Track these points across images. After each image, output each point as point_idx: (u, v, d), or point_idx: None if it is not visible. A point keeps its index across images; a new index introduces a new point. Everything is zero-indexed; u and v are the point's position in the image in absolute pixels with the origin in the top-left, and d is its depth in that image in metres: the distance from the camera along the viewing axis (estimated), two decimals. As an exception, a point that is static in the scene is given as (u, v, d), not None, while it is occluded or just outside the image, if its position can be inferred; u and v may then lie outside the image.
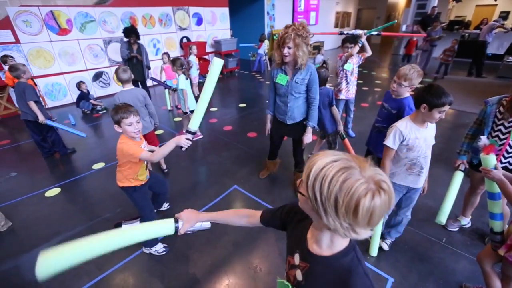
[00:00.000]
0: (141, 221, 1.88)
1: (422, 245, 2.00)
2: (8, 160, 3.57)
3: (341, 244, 0.65)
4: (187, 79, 3.47)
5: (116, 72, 2.53)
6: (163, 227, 0.93)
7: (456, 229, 2.12)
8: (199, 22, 7.67)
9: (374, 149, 2.21)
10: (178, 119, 4.84)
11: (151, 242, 1.98)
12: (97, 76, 6.13)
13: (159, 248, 2.01)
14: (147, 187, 1.95)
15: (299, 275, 0.73)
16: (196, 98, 5.61)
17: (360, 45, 3.10)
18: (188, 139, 1.47)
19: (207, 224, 1.03)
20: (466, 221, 2.13)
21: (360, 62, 3.17)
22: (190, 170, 3.14)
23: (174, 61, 3.42)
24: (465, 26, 10.51)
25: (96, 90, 6.14)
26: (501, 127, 1.63)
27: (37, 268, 0.67)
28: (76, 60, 5.70)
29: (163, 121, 4.69)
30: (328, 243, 0.66)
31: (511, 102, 1.57)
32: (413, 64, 1.89)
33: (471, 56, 7.21)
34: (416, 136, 1.54)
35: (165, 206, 2.50)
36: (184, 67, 3.45)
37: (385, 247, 1.94)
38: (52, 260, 0.70)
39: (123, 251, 2.02)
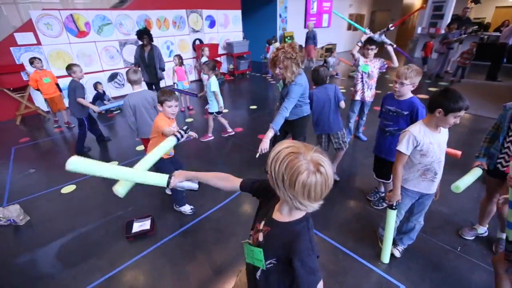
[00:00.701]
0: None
1: (435, 253, 1.94)
2: (27, 157, 3.71)
3: (297, 215, 0.82)
4: (218, 79, 3.56)
5: (127, 73, 2.61)
6: (159, 177, 1.14)
7: (472, 237, 2.04)
8: (212, 24, 7.77)
9: (386, 155, 2.17)
10: (190, 119, 4.90)
11: (181, 201, 2.30)
12: (112, 77, 6.31)
13: (187, 209, 2.30)
14: (171, 162, 2.24)
15: (261, 237, 0.89)
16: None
17: (359, 45, 3.08)
18: (180, 133, 1.61)
19: (194, 185, 1.20)
20: (483, 230, 2.05)
21: (383, 70, 3.07)
22: (200, 171, 3.17)
23: (207, 64, 3.52)
24: (484, 28, 10.17)
25: (111, 91, 6.31)
26: None
27: (68, 163, 0.96)
28: (93, 61, 5.88)
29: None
30: (287, 213, 0.83)
31: None
32: (410, 64, 1.90)
33: (490, 59, 6.97)
34: (430, 141, 1.51)
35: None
36: (216, 69, 3.56)
37: (397, 254, 1.90)
38: (79, 163, 0.99)
39: (134, 248, 2.07)
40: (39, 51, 5.14)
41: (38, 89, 4.34)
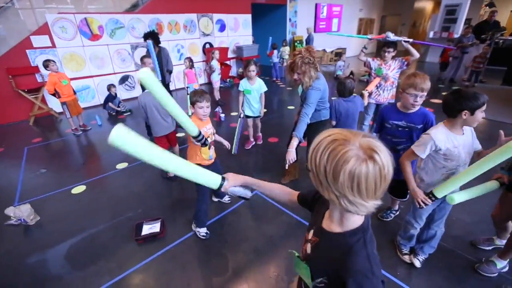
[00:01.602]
0: (197, 204, 2.08)
1: (458, 264, 1.83)
2: (39, 157, 3.75)
3: (352, 223, 0.66)
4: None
5: None
6: (210, 177, 0.93)
7: (490, 248, 1.92)
8: (222, 28, 7.81)
9: (399, 175, 1.88)
10: (199, 122, 4.89)
11: (201, 222, 2.12)
12: (124, 80, 6.38)
13: (202, 232, 2.13)
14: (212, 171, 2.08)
15: (308, 248, 0.76)
16: (217, 102, 5.63)
17: (364, 52, 3.15)
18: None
19: (248, 192, 1.00)
20: (500, 242, 1.92)
21: (404, 68, 2.97)
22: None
23: (248, 63, 3.23)
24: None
25: (121, 93, 6.39)
26: None
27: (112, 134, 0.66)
28: (105, 64, 5.97)
29: (184, 124, 4.75)
30: (338, 220, 0.67)
31: None
32: (416, 72, 1.73)
33: (506, 64, 6.78)
34: (454, 145, 1.44)
35: (226, 199, 2.57)
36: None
37: (417, 264, 1.80)
38: (123, 137, 0.69)
39: (143, 251, 2.03)
40: (53, 53, 5.25)
41: (54, 94, 4.19)
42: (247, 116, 3.52)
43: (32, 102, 5.07)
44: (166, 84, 4.78)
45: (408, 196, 2.07)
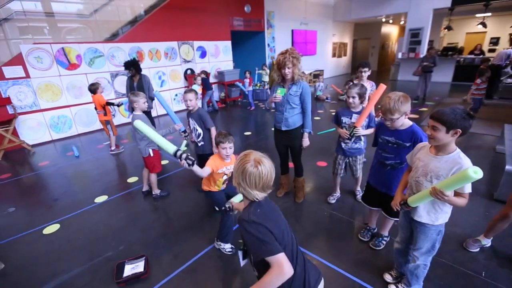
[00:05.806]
0: (222, 218, 2.14)
1: (459, 282, 1.77)
2: (8, 194, 3.43)
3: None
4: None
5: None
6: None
7: (477, 249, 1.97)
8: (203, 55, 7.96)
9: (388, 189, 1.88)
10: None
11: (225, 238, 2.16)
12: (103, 108, 6.20)
13: (227, 248, 2.17)
14: (223, 193, 2.18)
15: None
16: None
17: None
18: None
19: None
20: (487, 241, 2.01)
21: (373, 88, 3.13)
22: (196, 201, 2.98)
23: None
24: (459, 52, 10.86)
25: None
26: None
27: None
28: (83, 93, 5.80)
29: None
30: (246, 203, 1.08)
31: None
32: (391, 94, 1.64)
33: (468, 80, 7.31)
34: (419, 157, 1.44)
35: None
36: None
37: None
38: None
39: (126, 295, 1.81)
40: (27, 84, 5.04)
41: (104, 107, 4.53)
42: None
43: (1, 135, 4.74)
44: (148, 111, 4.71)
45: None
